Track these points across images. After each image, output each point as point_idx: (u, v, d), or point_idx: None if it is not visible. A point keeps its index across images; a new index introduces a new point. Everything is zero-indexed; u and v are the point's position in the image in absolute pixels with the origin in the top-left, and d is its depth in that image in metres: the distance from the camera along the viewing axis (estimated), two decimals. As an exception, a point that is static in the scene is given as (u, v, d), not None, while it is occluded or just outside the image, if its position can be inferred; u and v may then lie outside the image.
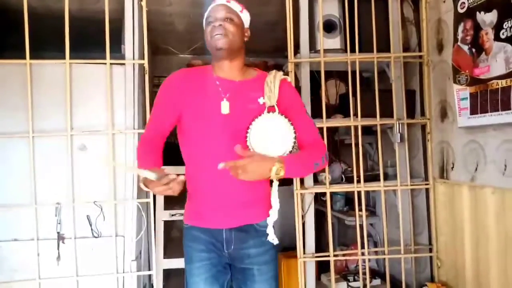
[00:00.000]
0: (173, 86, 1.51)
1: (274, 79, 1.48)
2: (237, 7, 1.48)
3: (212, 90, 1.47)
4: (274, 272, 1.54)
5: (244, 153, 1.32)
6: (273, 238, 1.48)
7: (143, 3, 2.28)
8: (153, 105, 1.56)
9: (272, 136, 1.41)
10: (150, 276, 2.54)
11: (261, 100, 1.46)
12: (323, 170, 2.45)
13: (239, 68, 1.50)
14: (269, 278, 1.51)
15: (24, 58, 2.18)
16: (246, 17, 1.52)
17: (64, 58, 2.22)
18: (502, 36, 1.84)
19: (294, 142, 1.41)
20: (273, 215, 1.48)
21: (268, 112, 1.43)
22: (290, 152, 1.41)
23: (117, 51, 2.41)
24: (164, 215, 2.99)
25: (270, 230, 1.49)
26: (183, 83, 1.50)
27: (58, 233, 2.21)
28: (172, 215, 2.99)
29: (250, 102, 1.45)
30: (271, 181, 1.48)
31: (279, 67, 3.83)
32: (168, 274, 3.07)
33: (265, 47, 3.46)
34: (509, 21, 1.79)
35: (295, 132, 1.41)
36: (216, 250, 1.50)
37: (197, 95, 1.47)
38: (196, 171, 1.49)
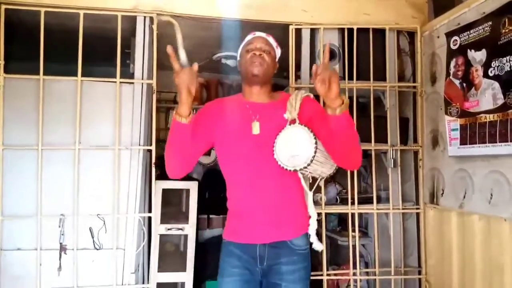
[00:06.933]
0: (209, 111, 1.65)
1: (296, 96, 1.61)
2: (273, 42, 1.68)
3: (243, 113, 1.60)
4: None
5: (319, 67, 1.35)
6: (317, 246, 1.58)
7: (154, 27, 2.39)
8: None
9: (295, 144, 1.51)
10: (146, 289, 2.59)
11: (285, 116, 1.58)
12: (319, 191, 2.54)
13: (267, 93, 1.66)
14: None
15: (31, 69, 2.25)
16: (278, 52, 1.68)
17: (69, 69, 2.29)
18: (490, 74, 1.96)
19: (316, 148, 1.46)
20: (313, 224, 1.58)
21: (290, 124, 1.56)
22: (313, 157, 1.47)
23: (123, 65, 2.50)
24: (160, 229, 3.01)
25: (313, 238, 1.58)
26: (218, 110, 1.64)
27: (60, 244, 2.26)
28: (168, 229, 3.01)
29: (278, 120, 1.58)
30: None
31: (280, 87, 3.94)
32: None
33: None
34: (496, 61, 1.92)
35: (315, 138, 1.48)
36: (250, 266, 1.57)
37: (230, 118, 1.61)
38: (233, 189, 1.60)
